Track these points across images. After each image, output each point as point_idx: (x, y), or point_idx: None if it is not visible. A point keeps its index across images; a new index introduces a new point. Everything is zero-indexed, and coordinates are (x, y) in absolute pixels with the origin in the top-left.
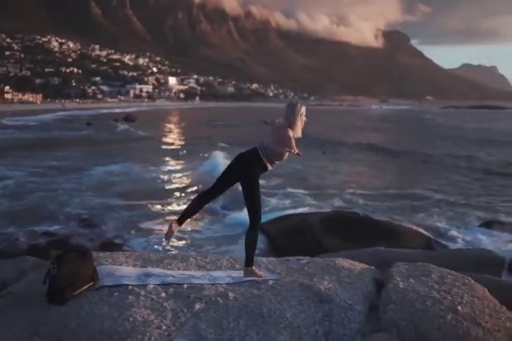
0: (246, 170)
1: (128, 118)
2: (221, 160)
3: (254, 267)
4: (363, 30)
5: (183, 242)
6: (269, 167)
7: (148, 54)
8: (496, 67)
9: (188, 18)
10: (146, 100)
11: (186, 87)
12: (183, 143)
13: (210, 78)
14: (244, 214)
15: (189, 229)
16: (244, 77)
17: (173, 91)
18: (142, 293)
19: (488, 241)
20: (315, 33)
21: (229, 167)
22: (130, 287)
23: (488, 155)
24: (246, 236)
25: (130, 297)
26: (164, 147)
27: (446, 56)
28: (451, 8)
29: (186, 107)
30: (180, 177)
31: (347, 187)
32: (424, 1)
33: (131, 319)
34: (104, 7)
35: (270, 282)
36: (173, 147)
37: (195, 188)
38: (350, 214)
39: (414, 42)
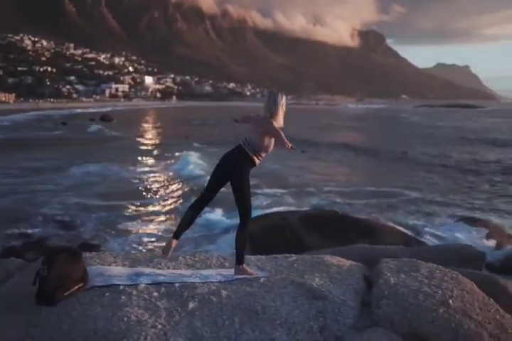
0: (234, 167)
1: (105, 117)
2: (194, 159)
3: (244, 265)
4: (339, 30)
5: (164, 243)
6: (257, 160)
7: (124, 53)
8: (468, 66)
9: (165, 16)
10: (122, 99)
11: (163, 86)
12: (160, 142)
13: (187, 77)
14: (216, 215)
15: (168, 229)
16: (221, 76)
17: (150, 90)
18: (134, 292)
19: (465, 238)
20: (292, 32)
21: (216, 169)
22: (121, 287)
23: (461, 154)
24: (236, 234)
25: (122, 297)
26: (141, 147)
27: (421, 56)
28: (425, 8)
29: (163, 107)
30: (156, 177)
31: (325, 186)
32: (399, 2)
33: (125, 319)
34: (78, 5)
35: (262, 279)
36: (150, 147)
37: (171, 189)
38: (330, 213)
39: (389, 41)
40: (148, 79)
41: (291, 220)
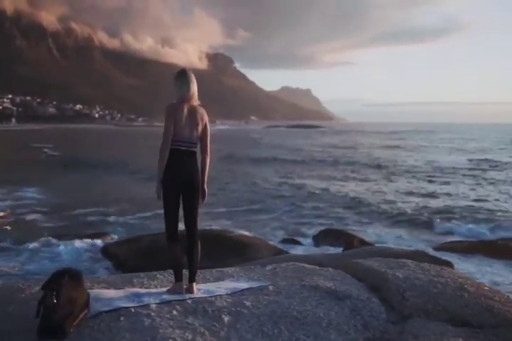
0: (198, 178)
1: None
2: None
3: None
4: (187, 52)
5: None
6: None
7: None
8: (310, 90)
9: (0, 31)
10: None
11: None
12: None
13: (28, 98)
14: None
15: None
16: (66, 97)
17: None
18: (152, 314)
19: (320, 247)
20: (141, 53)
21: (176, 191)
22: (132, 310)
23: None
24: (195, 252)
25: (144, 319)
26: None
27: (267, 79)
28: (270, 35)
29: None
30: None
31: None
32: (244, 27)
33: (170, 340)
34: None
35: (270, 287)
36: None
37: None
38: (201, 232)
39: (237, 65)
40: None
41: (163, 242)
